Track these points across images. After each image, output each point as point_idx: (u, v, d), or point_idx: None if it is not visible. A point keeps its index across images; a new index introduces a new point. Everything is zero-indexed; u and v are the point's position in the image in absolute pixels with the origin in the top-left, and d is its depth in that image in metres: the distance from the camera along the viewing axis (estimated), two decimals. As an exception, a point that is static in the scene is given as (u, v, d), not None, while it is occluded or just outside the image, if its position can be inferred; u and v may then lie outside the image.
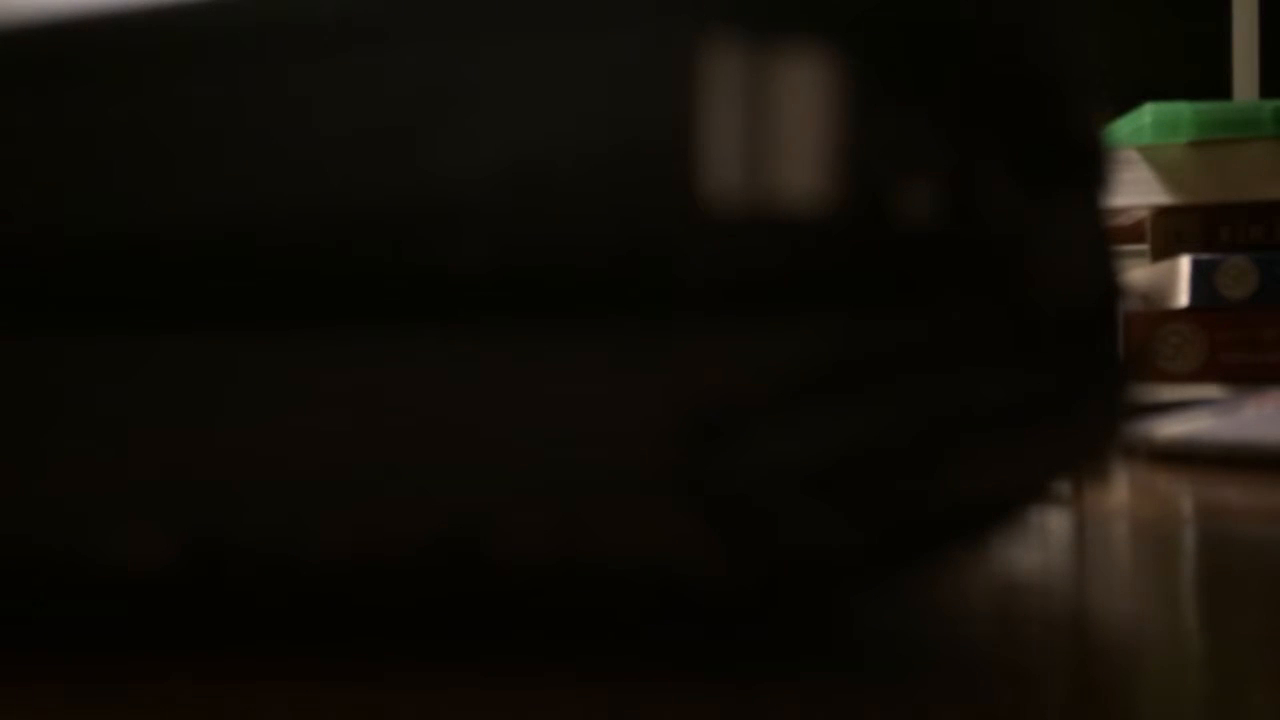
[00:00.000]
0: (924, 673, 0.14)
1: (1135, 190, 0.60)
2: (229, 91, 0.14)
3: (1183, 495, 0.32)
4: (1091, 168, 0.16)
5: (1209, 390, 0.57)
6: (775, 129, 0.14)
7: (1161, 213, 0.61)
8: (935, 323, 0.14)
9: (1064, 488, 0.16)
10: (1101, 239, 0.16)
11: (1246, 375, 0.57)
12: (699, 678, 0.14)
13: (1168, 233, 0.61)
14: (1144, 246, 0.64)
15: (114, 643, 0.16)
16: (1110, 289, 0.16)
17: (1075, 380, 0.15)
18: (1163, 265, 0.60)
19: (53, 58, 0.14)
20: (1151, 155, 0.59)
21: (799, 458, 0.14)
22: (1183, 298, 0.58)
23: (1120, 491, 0.32)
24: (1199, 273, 0.57)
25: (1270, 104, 0.59)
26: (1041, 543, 0.24)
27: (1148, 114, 0.60)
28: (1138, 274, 0.63)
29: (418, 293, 0.14)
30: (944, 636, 0.16)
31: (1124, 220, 0.65)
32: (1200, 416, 0.42)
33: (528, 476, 0.14)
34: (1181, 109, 0.59)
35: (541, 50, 0.14)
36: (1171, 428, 0.41)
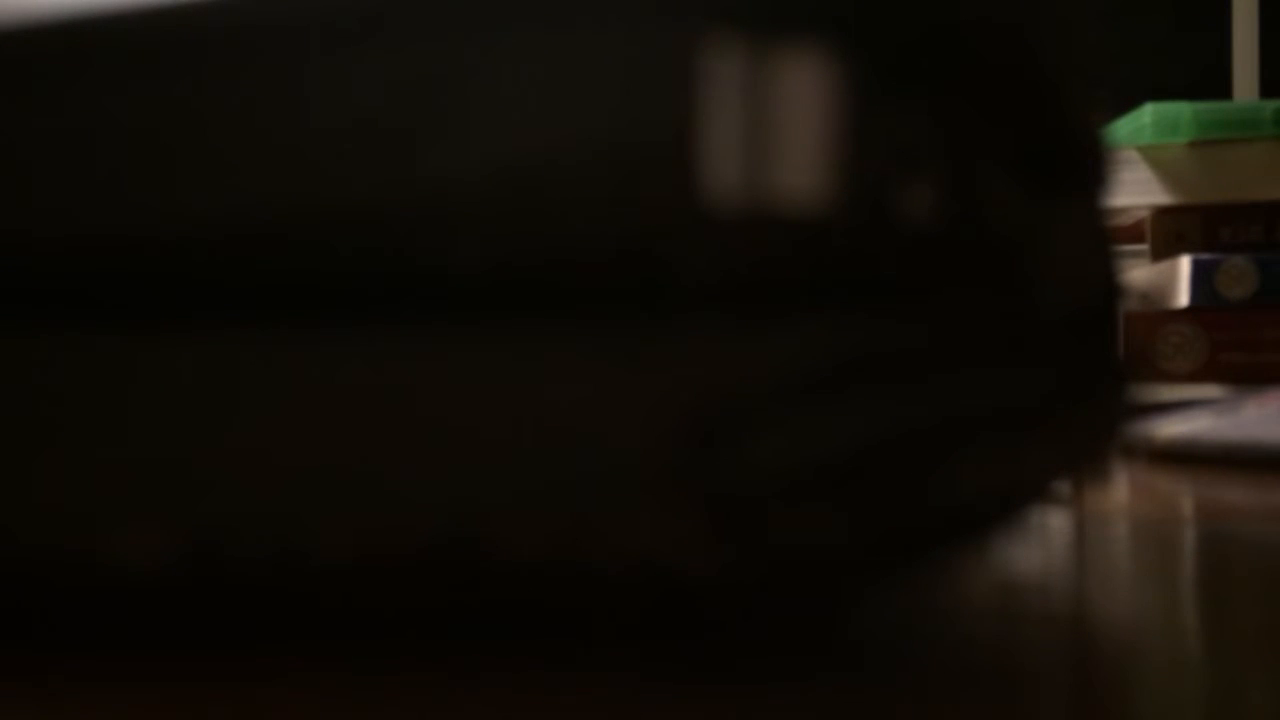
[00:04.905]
0: (924, 673, 0.14)
1: (1135, 190, 0.60)
2: (228, 91, 0.14)
3: (1183, 495, 0.32)
4: (1092, 168, 0.16)
5: (1209, 390, 0.57)
6: (776, 128, 0.14)
7: (1161, 213, 0.61)
8: (935, 323, 0.14)
9: (1064, 488, 0.16)
10: (1102, 239, 0.16)
11: (1246, 375, 0.57)
12: (699, 678, 0.14)
13: (1168, 233, 0.61)
14: (1144, 246, 0.64)
15: (114, 643, 0.16)
16: (1110, 289, 0.16)
17: (1075, 380, 0.15)
18: (1163, 265, 0.60)
19: (52, 57, 0.14)
20: (1151, 155, 0.59)
21: (799, 458, 0.14)
22: (1183, 298, 0.58)
23: (1120, 491, 0.32)
24: (1199, 273, 0.57)
25: (1270, 104, 0.59)
26: (1041, 543, 0.24)
27: (1148, 114, 0.60)
28: (1138, 274, 0.63)
29: (417, 292, 0.14)
30: (944, 636, 0.16)
31: (1124, 220, 0.65)
32: (1200, 416, 0.42)
33: (527, 477, 0.14)
34: (1181, 109, 0.59)
35: (541, 49, 0.14)
36: (1171, 428, 0.41)
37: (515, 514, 0.14)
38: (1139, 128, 0.60)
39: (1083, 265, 0.15)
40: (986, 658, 0.15)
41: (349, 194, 0.14)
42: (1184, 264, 0.58)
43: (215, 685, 0.14)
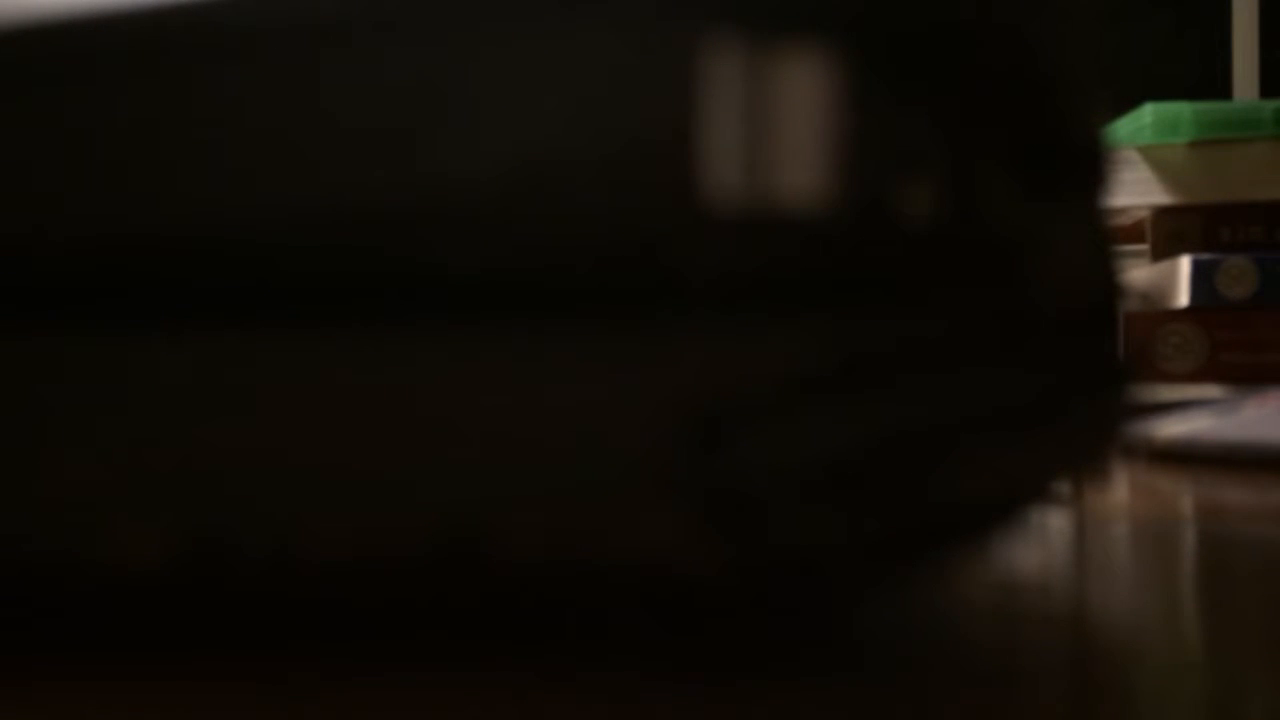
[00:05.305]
0: (924, 673, 0.14)
1: (1135, 190, 0.60)
2: (229, 91, 0.14)
3: (1183, 495, 0.32)
4: (1092, 168, 0.16)
5: (1209, 390, 0.57)
6: (776, 129, 0.14)
7: (1161, 213, 0.61)
8: (935, 323, 0.14)
9: (1064, 488, 0.16)
10: (1102, 239, 0.16)
11: (1246, 375, 0.57)
12: (699, 678, 0.14)
13: (1168, 233, 0.61)
14: (1144, 246, 0.64)
15: (114, 643, 0.16)
16: (1110, 289, 0.16)
17: (1075, 380, 0.15)
18: (1163, 265, 0.60)
19: (52, 57, 0.14)
20: (1151, 155, 0.59)
21: (799, 458, 0.14)
22: (1183, 298, 0.58)
23: (1120, 491, 0.32)
24: (1199, 273, 0.57)
25: (1270, 104, 0.59)
26: (1041, 543, 0.24)
27: (1148, 114, 0.60)
28: (1138, 274, 0.63)
29: (417, 292, 0.14)
30: (944, 636, 0.16)
31: (1124, 220, 0.65)
32: (1200, 416, 0.42)
33: (527, 476, 0.14)
34: (1181, 109, 0.59)
35: (542, 50, 0.14)
36: (1171, 428, 0.41)
37: (516, 514, 0.14)
38: (1139, 128, 0.60)
39: (1083, 265, 0.15)
40: (986, 658, 0.15)
41: (349, 194, 0.14)
42: (1184, 264, 0.58)
43: (215, 685, 0.14)
